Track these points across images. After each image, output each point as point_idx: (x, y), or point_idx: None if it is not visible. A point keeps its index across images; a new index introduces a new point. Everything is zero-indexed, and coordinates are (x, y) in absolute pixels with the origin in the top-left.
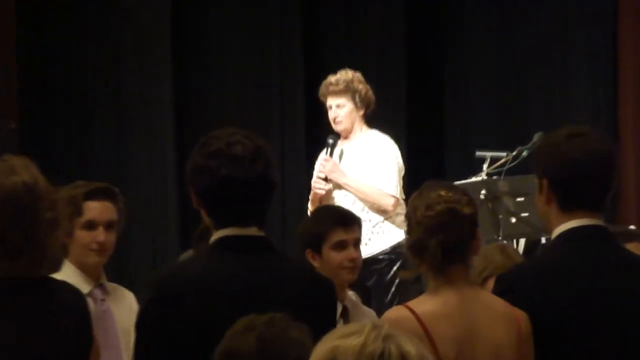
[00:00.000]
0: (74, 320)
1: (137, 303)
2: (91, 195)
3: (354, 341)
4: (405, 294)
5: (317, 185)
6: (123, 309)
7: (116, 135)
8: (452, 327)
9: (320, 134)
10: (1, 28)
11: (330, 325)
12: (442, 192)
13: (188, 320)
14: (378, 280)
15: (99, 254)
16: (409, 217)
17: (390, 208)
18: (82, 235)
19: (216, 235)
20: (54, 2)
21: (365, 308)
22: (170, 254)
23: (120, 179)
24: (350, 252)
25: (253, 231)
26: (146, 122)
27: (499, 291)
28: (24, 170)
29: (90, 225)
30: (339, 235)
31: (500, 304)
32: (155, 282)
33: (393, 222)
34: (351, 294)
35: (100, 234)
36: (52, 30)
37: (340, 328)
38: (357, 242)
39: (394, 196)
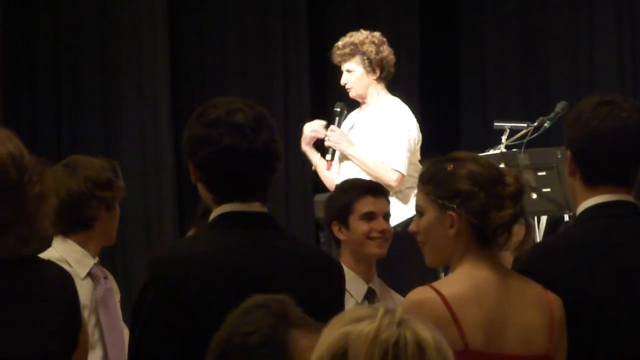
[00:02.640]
0: (61, 302)
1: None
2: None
3: (367, 327)
4: (420, 272)
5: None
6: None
7: (107, 110)
8: (481, 311)
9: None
10: None
11: (338, 308)
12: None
13: (189, 302)
14: (390, 258)
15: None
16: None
17: (392, 184)
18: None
19: (217, 211)
20: None
21: (394, 292)
22: (166, 234)
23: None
24: (379, 222)
25: (256, 207)
26: (140, 100)
27: (517, 272)
28: (7, 141)
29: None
30: (367, 206)
31: (533, 288)
32: (153, 263)
33: (403, 198)
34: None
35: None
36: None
37: (351, 311)
38: (386, 215)
39: (397, 171)
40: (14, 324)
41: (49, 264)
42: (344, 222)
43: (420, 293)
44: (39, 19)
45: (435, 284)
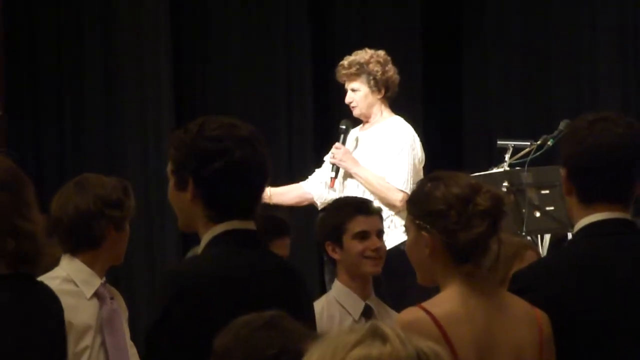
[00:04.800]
0: (48, 327)
1: (124, 302)
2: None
3: (384, 349)
4: (420, 291)
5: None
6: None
7: (109, 125)
8: (472, 329)
9: (329, 124)
10: None
11: (312, 318)
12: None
13: (216, 318)
14: (390, 277)
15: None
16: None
17: (397, 204)
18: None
19: (219, 228)
20: None
21: (391, 310)
22: (168, 250)
23: (113, 171)
24: (373, 241)
25: (252, 225)
26: (142, 112)
27: (515, 290)
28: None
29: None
30: (359, 225)
31: (521, 304)
32: (178, 277)
33: (405, 217)
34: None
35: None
36: (41, 17)
37: (339, 334)
38: (379, 233)
39: (402, 191)
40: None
41: (39, 285)
42: (338, 242)
43: (410, 314)
44: (40, 28)
45: (425, 304)
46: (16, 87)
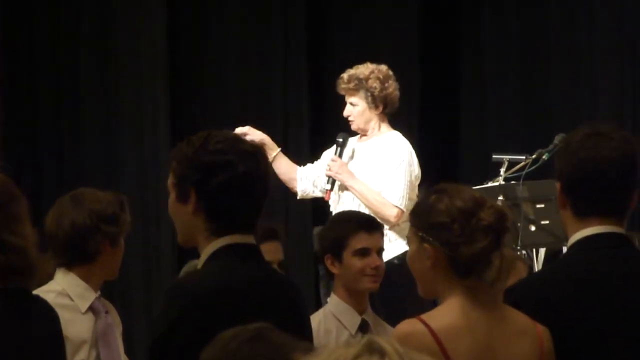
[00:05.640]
0: (43, 340)
1: (118, 316)
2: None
3: None
4: (413, 304)
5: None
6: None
7: (107, 136)
8: (471, 343)
9: (325, 135)
10: None
11: (309, 332)
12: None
13: (217, 332)
14: (383, 291)
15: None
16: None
17: (392, 219)
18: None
19: (220, 242)
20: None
21: (387, 325)
22: (164, 265)
23: (111, 184)
24: (373, 259)
25: (252, 239)
26: (139, 123)
27: (509, 303)
28: None
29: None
30: (361, 242)
31: (521, 319)
32: (183, 292)
33: (399, 231)
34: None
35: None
36: (39, 25)
37: (336, 348)
38: (380, 250)
39: (397, 207)
40: None
41: (35, 298)
42: (338, 257)
43: (408, 325)
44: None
45: (424, 316)
46: (14, 98)
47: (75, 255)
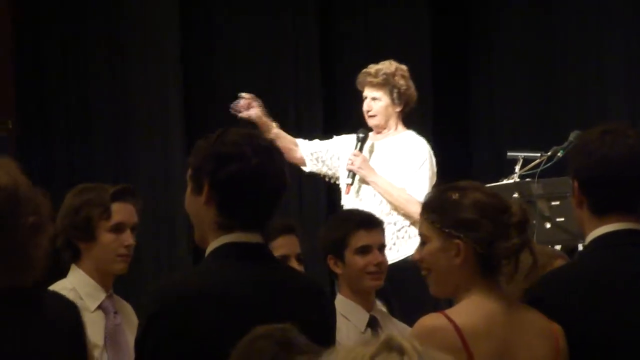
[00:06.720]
0: (65, 334)
1: (136, 316)
2: (119, 197)
3: None
4: (432, 304)
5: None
6: (128, 324)
7: (119, 135)
8: (491, 342)
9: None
10: None
11: (334, 327)
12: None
13: (197, 336)
14: (402, 288)
15: (125, 260)
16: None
17: (416, 216)
18: (110, 238)
19: (221, 240)
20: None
21: (396, 320)
22: (178, 263)
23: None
24: (375, 255)
25: (258, 238)
26: (151, 121)
27: (526, 301)
28: (2, 173)
29: (118, 229)
30: (361, 239)
31: (539, 318)
32: (160, 295)
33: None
34: (379, 304)
35: (129, 237)
36: (50, 29)
37: (354, 346)
38: (381, 247)
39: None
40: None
41: (53, 294)
42: (340, 256)
43: (433, 319)
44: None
45: (448, 312)
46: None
47: (70, 254)
